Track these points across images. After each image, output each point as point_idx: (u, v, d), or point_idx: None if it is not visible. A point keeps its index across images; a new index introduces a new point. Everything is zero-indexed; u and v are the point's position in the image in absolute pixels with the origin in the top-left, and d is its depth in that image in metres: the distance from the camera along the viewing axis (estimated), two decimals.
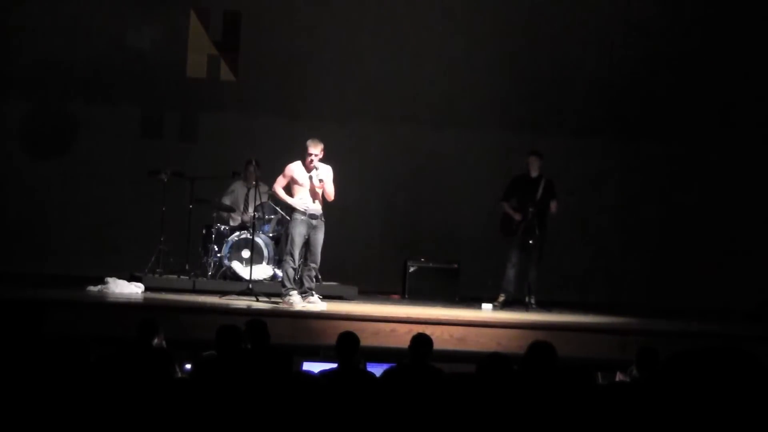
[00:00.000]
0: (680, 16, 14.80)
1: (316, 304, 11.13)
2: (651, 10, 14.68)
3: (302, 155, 11.18)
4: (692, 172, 14.94)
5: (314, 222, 11.16)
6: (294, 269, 11.24)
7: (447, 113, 14.61)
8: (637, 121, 14.90)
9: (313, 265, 11.26)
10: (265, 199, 12.47)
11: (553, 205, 12.32)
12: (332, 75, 14.47)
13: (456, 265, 13.44)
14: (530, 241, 12.27)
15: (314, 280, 11.32)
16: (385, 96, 14.54)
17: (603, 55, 14.66)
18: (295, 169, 11.24)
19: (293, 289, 11.16)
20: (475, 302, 12.45)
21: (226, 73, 14.50)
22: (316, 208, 11.20)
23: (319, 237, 11.19)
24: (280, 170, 11.83)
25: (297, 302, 11.04)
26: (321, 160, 11.17)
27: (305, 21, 14.43)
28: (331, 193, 11.17)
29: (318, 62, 14.45)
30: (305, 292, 11.22)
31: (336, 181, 11.33)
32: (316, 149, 11.10)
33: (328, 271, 12.76)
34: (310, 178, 11.14)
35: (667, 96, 14.85)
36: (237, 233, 12.49)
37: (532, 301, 12.34)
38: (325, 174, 11.11)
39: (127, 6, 14.11)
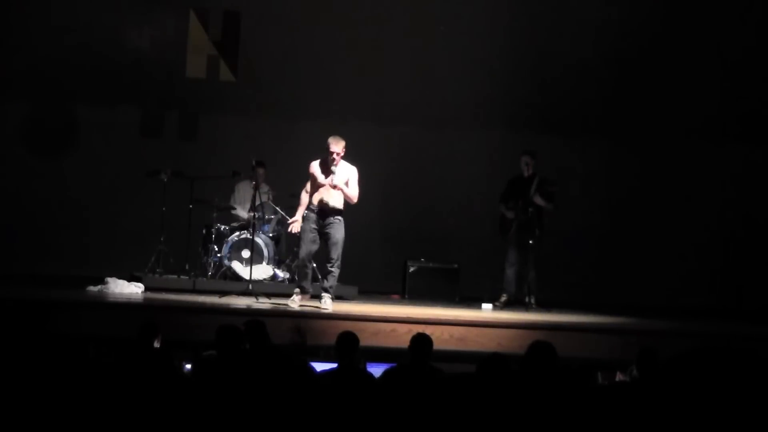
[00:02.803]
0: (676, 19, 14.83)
1: (324, 304, 10.94)
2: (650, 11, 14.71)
3: (324, 154, 10.92)
4: (692, 172, 14.94)
5: (324, 221, 10.92)
6: (299, 267, 11.16)
7: (446, 113, 14.60)
8: (637, 121, 14.90)
9: (328, 264, 11.00)
10: (265, 199, 12.46)
11: (539, 200, 12.27)
12: (332, 75, 14.47)
13: (456, 265, 13.44)
14: (530, 241, 12.28)
15: (328, 279, 10.99)
16: (385, 96, 14.53)
17: (602, 56, 14.68)
18: (314, 167, 10.97)
19: (296, 287, 11.11)
20: (475, 302, 12.45)
21: (225, 73, 14.51)
22: (333, 206, 10.90)
23: (332, 234, 10.88)
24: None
25: (290, 302, 10.99)
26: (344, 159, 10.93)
27: (305, 21, 14.43)
28: (351, 195, 10.91)
29: (318, 62, 14.45)
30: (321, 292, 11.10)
31: None
32: (337, 147, 10.81)
33: None
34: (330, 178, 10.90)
35: (666, 96, 14.85)
36: (237, 233, 12.49)
37: (532, 300, 12.35)
38: (341, 176, 10.82)
39: (127, 6, 14.12)
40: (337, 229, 10.92)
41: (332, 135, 10.95)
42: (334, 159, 10.81)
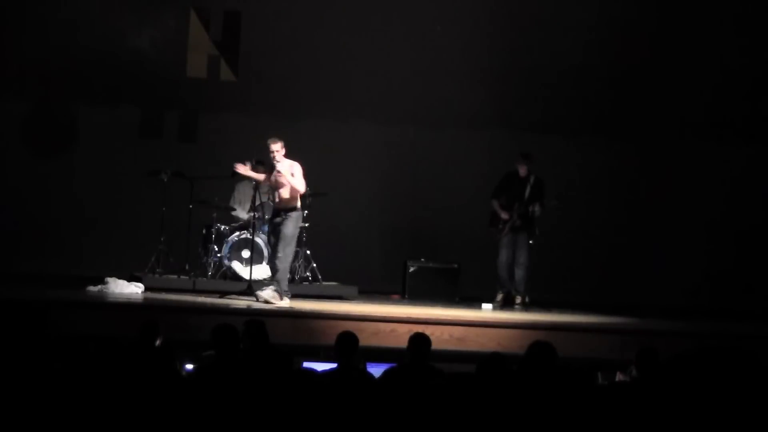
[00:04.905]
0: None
1: (260, 296, 11.23)
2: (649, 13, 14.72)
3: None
4: (692, 172, 14.94)
5: (277, 219, 11.34)
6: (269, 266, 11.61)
7: (446, 113, 14.60)
8: (638, 120, 14.90)
9: (273, 255, 11.37)
10: (265, 199, 12.46)
11: (537, 209, 12.35)
12: (332, 75, 14.46)
13: (456, 265, 13.44)
14: (530, 241, 12.35)
15: (274, 272, 11.36)
16: (385, 96, 14.53)
17: (602, 55, 14.69)
18: (263, 171, 11.54)
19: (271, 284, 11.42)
20: (475, 302, 12.46)
21: (226, 73, 14.51)
22: (280, 206, 11.33)
23: (282, 230, 11.25)
24: None
25: (262, 294, 11.25)
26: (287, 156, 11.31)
27: (305, 21, 14.42)
28: (297, 186, 11.24)
29: (318, 62, 14.44)
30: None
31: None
32: (275, 145, 11.24)
33: (328, 271, 12.76)
34: (271, 176, 11.31)
35: (667, 95, 14.85)
36: (237, 233, 12.49)
37: (518, 301, 12.44)
38: (285, 169, 11.21)
39: (127, 6, 14.11)
40: (287, 225, 11.28)
41: (270, 137, 11.35)
42: (273, 157, 11.22)
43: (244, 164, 11.64)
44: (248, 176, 11.69)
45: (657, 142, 14.98)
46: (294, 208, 11.33)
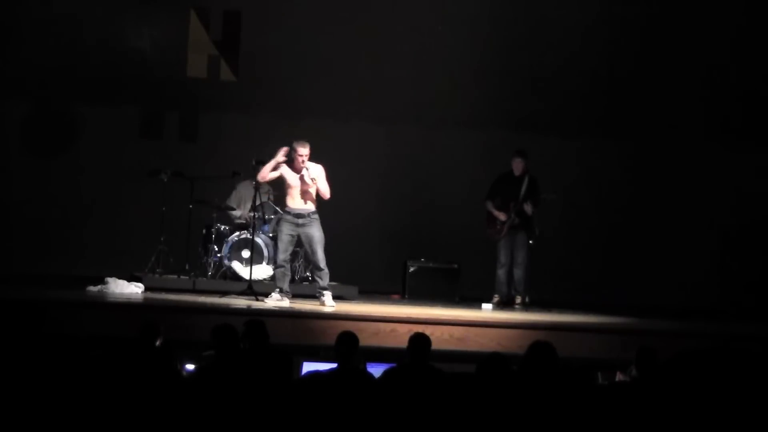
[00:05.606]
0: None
1: (328, 302, 11.19)
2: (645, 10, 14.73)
3: (290, 158, 11.27)
4: (692, 172, 14.94)
5: (301, 221, 11.25)
6: (279, 269, 11.41)
7: (446, 113, 14.60)
8: (637, 121, 14.90)
9: (318, 263, 11.28)
10: (265, 199, 12.47)
11: (528, 208, 12.36)
12: (332, 75, 14.46)
13: (456, 265, 13.45)
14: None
15: (323, 278, 11.29)
16: (385, 96, 14.53)
17: (600, 55, 14.70)
18: (284, 170, 11.33)
19: (275, 288, 11.34)
20: (475, 302, 12.47)
21: (226, 73, 14.51)
22: (306, 207, 11.26)
23: (312, 233, 11.23)
24: None
25: (268, 302, 11.18)
26: (309, 160, 11.26)
27: (305, 21, 14.42)
28: (325, 191, 11.25)
29: (318, 62, 14.44)
30: (319, 291, 11.35)
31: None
32: (305, 149, 11.19)
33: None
34: (301, 178, 11.20)
35: (664, 96, 14.85)
36: (237, 233, 12.49)
37: (518, 301, 12.44)
38: (316, 173, 11.21)
39: (127, 6, 14.11)
40: (315, 228, 11.27)
41: (297, 139, 11.28)
42: (303, 160, 11.17)
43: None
44: (274, 166, 11.28)
45: (656, 142, 14.97)
46: (316, 209, 11.30)
